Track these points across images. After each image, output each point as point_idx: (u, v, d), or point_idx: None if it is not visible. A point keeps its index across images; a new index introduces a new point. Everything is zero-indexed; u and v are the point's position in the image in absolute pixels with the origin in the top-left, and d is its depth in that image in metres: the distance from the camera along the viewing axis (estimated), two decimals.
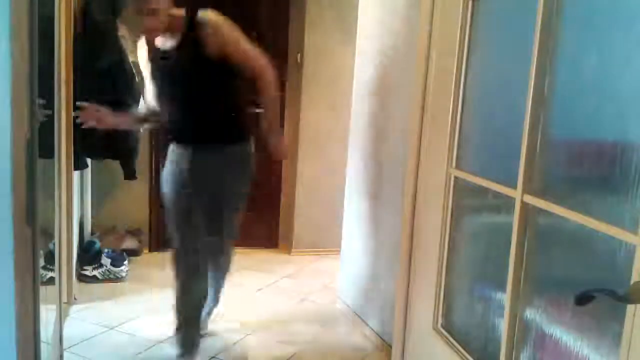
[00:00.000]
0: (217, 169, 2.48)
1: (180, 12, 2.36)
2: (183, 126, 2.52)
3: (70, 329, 2.82)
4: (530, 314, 1.65)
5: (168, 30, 2.36)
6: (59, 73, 2.56)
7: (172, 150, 2.55)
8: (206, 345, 2.76)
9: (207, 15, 2.35)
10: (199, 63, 2.37)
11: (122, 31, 3.41)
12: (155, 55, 2.48)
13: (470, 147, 2.03)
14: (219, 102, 2.47)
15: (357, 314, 3.15)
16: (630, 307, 1.21)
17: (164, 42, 2.41)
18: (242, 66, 2.40)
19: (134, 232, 4.09)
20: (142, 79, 2.76)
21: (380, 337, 2.84)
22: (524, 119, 1.60)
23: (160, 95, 2.55)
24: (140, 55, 2.58)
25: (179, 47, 2.38)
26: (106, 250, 3.60)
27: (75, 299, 3.18)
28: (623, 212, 1.29)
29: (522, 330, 1.67)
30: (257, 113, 2.61)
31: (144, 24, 2.33)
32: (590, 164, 1.51)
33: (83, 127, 2.47)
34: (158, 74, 2.51)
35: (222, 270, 2.80)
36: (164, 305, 3.22)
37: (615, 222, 1.29)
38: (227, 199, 2.55)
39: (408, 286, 2.38)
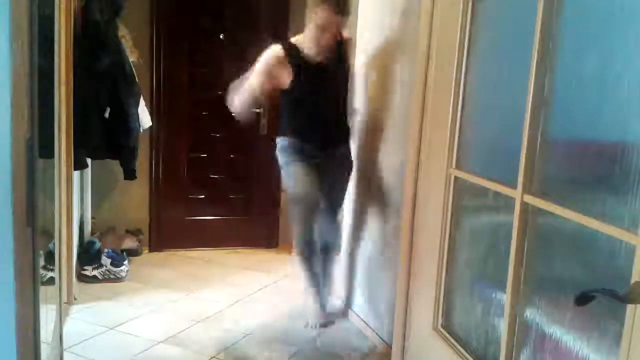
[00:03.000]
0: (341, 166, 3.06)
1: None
2: (314, 127, 2.92)
3: (70, 329, 2.82)
4: (530, 314, 1.65)
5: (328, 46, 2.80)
6: (59, 73, 2.56)
7: (293, 147, 2.93)
8: (206, 344, 2.77)
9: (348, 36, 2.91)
10: (340, 72, 2.93)
11: (122, 31, 3.41)
12: (303, 62, 2.82)
13: (470, 147, 2.03)
14: (341, 107, 3.00)
15: (357, 314, 3.15)
16: (630, 307, 1.21)
17: (315, 53, 2.81)
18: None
19: (134, 232, 4.09)
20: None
21: (380, 337, 2.84)
22: (524, 119, 1.60)
23: (299, 98, 2.89)
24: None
25: (328, 59, 2.83)
26: (106, 250, 3.60)
27: (75, 299, 3.18)
28: (623, 212, 1.29)
29: (522, 330, 1.66)
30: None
31: (321, 41, 2.76)
32: (590, 164, 1.51)
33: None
34: (307, 78, 2.84)
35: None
36: (164, 305, 3.23)
37: (615, 222, 1.29)
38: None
39: (408, 286, 2.38)
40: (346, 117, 3.08)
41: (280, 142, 3.00)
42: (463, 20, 1.99)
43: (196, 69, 4.12)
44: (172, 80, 4.07)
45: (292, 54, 2.84)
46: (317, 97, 2.89)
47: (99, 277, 3.51)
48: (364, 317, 3.07)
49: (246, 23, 4.12)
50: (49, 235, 2.41)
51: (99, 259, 3.53)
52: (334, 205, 3.09)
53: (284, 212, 4.37)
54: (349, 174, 3.10)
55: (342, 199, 3.14)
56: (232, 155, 4.31)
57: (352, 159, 3.09)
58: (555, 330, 1.56)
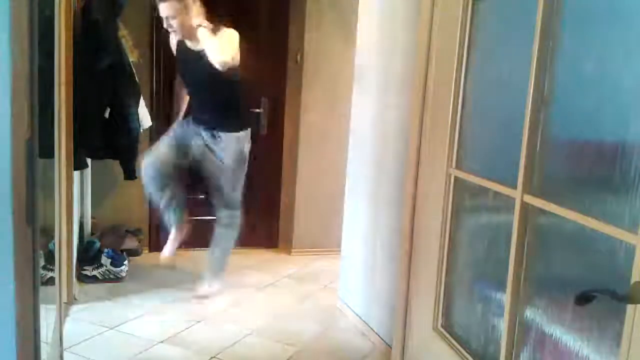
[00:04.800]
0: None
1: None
2: (198, 111, 3.24)
3: (70, 329, 2.82)
4: (530, 314, 1.65)
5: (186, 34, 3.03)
6: (59, 73, 2.56)
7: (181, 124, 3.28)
8: (206, 344, 2.77)
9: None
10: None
11: (122, 31, 3.41)
12: (182, 50, 3.15)
13: (470, 147, 2.04)
14: (221, 95, 3.13)
15: (357, 314, 3.15)
16: (630, 307, 1.21)
17: (181, 38, 3.10)
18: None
19: (134, 232, 4.09)
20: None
21: (380, 337, 2.84)
22: (524, 119, 1.61)
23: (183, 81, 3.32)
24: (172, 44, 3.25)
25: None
26: (106, 250, 3.60)
27: (75, 299, 3.18)
28: (623, 212, 1.29)
29: (522, 330, 1.67)
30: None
31: (175, 27, 2.99)
32: (590, 164, 1.51)
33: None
34: (182, 61, 3.22)
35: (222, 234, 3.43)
36: (164, 305, 3.23)
37: (615, 222, 1.29)
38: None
39: (408, 286, 2.38)
40: (234, 106, 3.20)
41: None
42: (463, 20, 1.99)
43: None
44: (172, 80, 4.07)
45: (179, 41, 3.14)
46: (191, 81, 3.20)
47: (99, 277, 3.51)
48: (363, 317, 3.07)
49: (246, 23, 4.12)
50: (49, 235, 2.42)
51: (99, 259, 3.53)
52: (223, 193, 3.25)
53: (284, 212, 4.37)
54: (227, 162, 3.16)
55: (229, 186, 3.23)
56: None
57: (235, 149, 3.16)
58: (555, 330, 1.56)
